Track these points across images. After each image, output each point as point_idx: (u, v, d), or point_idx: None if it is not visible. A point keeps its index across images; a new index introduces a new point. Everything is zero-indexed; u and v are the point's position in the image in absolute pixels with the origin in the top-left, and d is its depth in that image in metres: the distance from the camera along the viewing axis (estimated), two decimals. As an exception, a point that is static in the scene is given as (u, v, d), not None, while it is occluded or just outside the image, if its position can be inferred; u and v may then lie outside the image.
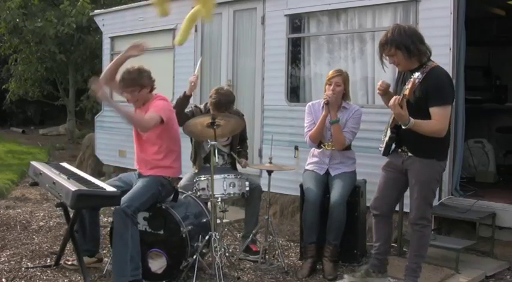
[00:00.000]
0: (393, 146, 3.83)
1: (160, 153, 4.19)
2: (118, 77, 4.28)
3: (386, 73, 5.22)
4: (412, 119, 3.48)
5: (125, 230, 3.84)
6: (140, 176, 4.25)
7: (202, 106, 5.06)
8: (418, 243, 3.76)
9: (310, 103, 4.81)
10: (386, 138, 3.77)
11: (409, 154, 3.73)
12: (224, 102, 4.77)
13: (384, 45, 3.63)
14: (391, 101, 3.48)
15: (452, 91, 3.63)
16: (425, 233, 3.76)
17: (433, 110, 3.51)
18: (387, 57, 3.69)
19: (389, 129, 3.75)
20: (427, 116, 3.53)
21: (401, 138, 3.75)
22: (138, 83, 4.18)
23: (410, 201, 3.76)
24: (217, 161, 4.70)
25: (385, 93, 3.83)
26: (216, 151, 4.53)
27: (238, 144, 5.11)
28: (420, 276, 3.82)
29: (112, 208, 4.03)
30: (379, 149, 3.88)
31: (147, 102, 4.21)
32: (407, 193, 3.96)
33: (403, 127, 3.54)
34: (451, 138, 4.99)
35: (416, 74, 3.40)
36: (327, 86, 4.59)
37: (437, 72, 3.57)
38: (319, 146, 4.67)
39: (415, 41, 3.57)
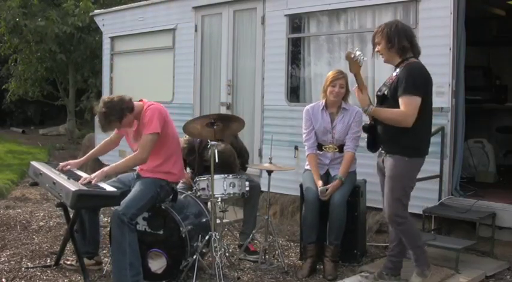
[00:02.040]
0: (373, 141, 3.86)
1: (158, 159, 4.13)
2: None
3: (384, 73, 5.25)
4: (372, 106, 3.61)
5: (123, 238, 3.82)
6: (138, 177, 4.23)
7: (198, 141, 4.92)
8: (405, 239, 3.77)
9: (308, 107, 4.76)
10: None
11: (386, 153, 3.77)
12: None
13: (375, 32, 3.81)
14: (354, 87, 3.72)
15: (423, 84, 3.62)
16: (405, 228, 3.73)
17: (400, 99, 3.57)
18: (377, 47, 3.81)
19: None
20: None
21: (378, 136, 3.80)
22: (116, 123, 4.04)
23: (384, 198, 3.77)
24: None
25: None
26: None
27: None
28: (428, 263, 3.82)
29: (112, 208, 4.02)
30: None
31: (139, 117, 4.11)
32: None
33: (365, 114, 3.68)
34: (451, 138, 5.04)
35: (357, 52, 3.61)
36: (330, 88, 4.58)
37: (411, 66, 3.64)
38: (320, 149, 4.66)
39: (401, 36, 3.68)
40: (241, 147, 5.09)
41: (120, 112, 3.99)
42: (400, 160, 3.66)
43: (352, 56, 3.60)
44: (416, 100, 3.55)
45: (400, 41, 3.66)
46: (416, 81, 3.57)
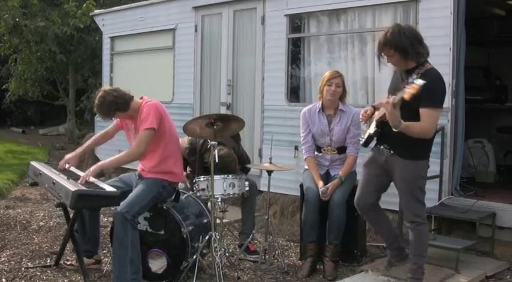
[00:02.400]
0: (375, 139, 3.82)
1: (156, 157, 4.12)
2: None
3: (384, 73, 5.26)
4: (403, 122, 3.45)
5: (125, 235, 3.83)
6: (140, 177, 4.23)
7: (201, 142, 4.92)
8: (415, 242, 3.74)
9: (305, 109, 4.73)
10: (371, 131, 3.74)
11: (391, 152, 3.74)
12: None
13: (383, 46, 3.63)
14: (386, 100, 3.46)
15: (444, 96, 3.61)
16: (422, 231, 3.73)
17: (424, 111, 3.50)
18: (385, 57, 3.68)
19: (374, 122, 3.72)
20: (418, 117, 3.53)
21: (384, 135, 3.74)
22: (104, 117, 4.14)
23: (401, 202, 3.75)
24: None
25: (368, 120, 3.82)
26: None
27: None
28: (423, 279, 3.78)
29: (112, 208, 4.03)
30: (360, 139, 3.91)
31: (137, 113, 4.12)
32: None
33: (394, 129, 3.49)
34: (451, 138, 5.04)
35: (420, 82, 3.34)
36: (326, 87, 4.58)
37: (433, 75, 3.56)
38: (319, 150, 4.66)
39: (414, 43, 3.55)
40: (243, 154, 5.08)
41: (107, 111, 4.09)
42: (412, 164, 3.66)
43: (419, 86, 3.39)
44: (439, 113, 3.56)
45: (414, 48, 3.53)
46: (440, 93, 3.56)
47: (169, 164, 4.17)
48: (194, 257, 4.08)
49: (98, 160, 8.73)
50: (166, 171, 4.15)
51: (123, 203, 3.85)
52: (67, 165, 4.37)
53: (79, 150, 4.54)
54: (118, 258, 3.87)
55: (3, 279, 4.17)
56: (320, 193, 4.42)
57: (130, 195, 3.95)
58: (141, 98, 4.20)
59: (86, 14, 12.18)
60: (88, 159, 9.28)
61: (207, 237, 4.14)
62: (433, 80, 3.53)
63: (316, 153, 4.67)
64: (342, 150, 4.61)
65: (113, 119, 4.23)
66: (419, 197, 3.72)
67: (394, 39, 3.56)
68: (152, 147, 4.08)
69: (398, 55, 3.58)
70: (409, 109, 3.52)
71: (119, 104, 4.07)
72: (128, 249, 3.84)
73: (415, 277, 3.74)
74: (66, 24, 12.52)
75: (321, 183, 4.46)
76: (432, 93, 3.49)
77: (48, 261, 4.64)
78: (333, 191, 4.43)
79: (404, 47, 3.53)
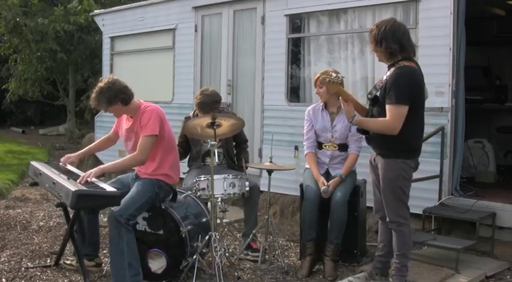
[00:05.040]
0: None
1: (154, 162, 4.10)
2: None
3: (384, 73, 5.26)
4: (357, 116, 3.62)
5: (120, 239, 3.81)
6: (137, 177, 4.22)
7: (191, 114, 5.05)
8: (398, 242, 3.73)
9: (310, 107, 4.78)
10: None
11: (376, 152, 3.79)
12: (208, 102, 4.75)
13: (370, 32, 3.76)
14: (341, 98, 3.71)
15: (408, 92, 3.54)
16: (404, 231, 3.72)
17: (387, 107, 3.57)
18: (372, 45, 3.77)
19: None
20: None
21: (369, 138, 3.80)
22: (103, 103, 4.07)
23: (383, 201, 3.74)
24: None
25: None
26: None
27: (235, 147, 5.09)
28: (407, 276, 3.80)
29: (112, 208, 4.02)
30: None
31: (135, 115, 4.11)
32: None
33: (351, 124, 3.72)
34: (451, 138, 5.04)
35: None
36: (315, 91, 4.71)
37: (399, 71, 3.58)
38: (320, 147, 4.67)
39: (389, 39, 3.59)
40: (242, 132, 5.05)
41: (112, 97, 4.02)
42: (393, 163, 3.66)
43: (328, 80, 3.65)
44: (402, 109, 3.52)
45: (387, 44, 3.59)
46: (402, 90, 3.52)
47: (166, 167, 4.16)
48: (194, 256, 4.08)
49: (98, 159, 8.75)
50: (163, 174, 4.14)
51: (116, 206, 3.83)
52: (68, 166, 4.37)
53: (81, 152, 4.52)
54: (115, 263, 3.85)
55: (3, 279, 4.17)
56: (321, 192, 4.42)
57: (125, 198, 3.90)
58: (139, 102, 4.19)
59: (86, 10, 12.15)
60: (88, 158, 9.28)
61: (207, 237, 4.14)
62: (397, 77, 3.56)
63: (317, 150, 4.67)
64: (343, 147, 4.62)
65: (106, 110, 4.14)
66: (400, 196, 3.69)
67: (376, 28, 3.66)
68: (152, 151, 4.06)
69: (373, 45, 3.68)
70: (382, 106, 3.59)
71: (126, 95, 4.05)
72: (124, 253, 3.81)
73: (399, 274, 3.77)
74: (67, 21, 12.49)
75: (321, 179, 4.48)
76: (393, 90, 3.53)
77: (48, 261, 4.64)
78: (334, 189, 4.44)
79: (378, 38, 3.62)
